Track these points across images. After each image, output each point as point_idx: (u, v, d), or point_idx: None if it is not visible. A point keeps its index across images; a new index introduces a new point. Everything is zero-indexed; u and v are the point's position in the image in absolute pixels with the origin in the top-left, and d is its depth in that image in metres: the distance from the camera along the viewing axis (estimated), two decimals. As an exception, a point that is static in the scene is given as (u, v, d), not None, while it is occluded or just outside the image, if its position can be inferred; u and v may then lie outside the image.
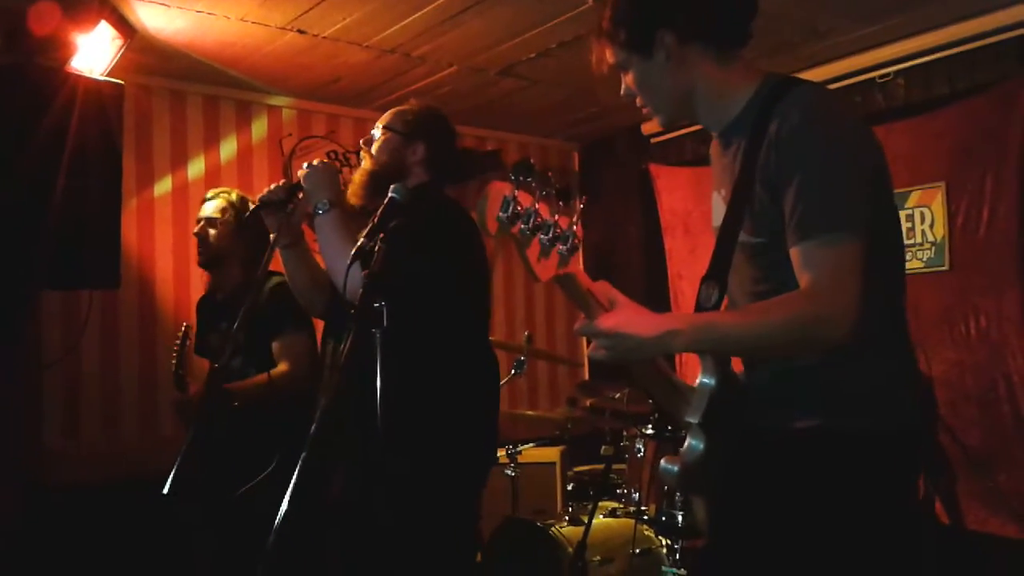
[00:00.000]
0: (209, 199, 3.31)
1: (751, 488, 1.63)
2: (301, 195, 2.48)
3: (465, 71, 4.22)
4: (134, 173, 3.98)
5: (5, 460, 3.31)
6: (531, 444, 4.04)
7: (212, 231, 3.22)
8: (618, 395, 3.75)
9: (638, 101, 1.79)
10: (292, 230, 2.56)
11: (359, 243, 2.05)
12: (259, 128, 4.46)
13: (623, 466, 3.66)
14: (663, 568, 3.31)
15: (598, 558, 3.30)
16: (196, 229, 3.27)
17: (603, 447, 3.64)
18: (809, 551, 1.58)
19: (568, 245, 1.39)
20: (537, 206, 1.34)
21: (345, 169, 2.58)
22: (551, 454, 4.36)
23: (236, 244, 3.20)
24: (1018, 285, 3.60)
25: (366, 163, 2.54)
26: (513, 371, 3.83)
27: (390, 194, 2.12)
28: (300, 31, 3.68)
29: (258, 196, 2.60)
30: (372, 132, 2.59)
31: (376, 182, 2.44)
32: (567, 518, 3.46)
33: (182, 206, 4.18)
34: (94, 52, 3.34)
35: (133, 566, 3.64)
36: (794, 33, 3.85)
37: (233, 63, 4.01)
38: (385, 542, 2.33)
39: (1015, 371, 3.61)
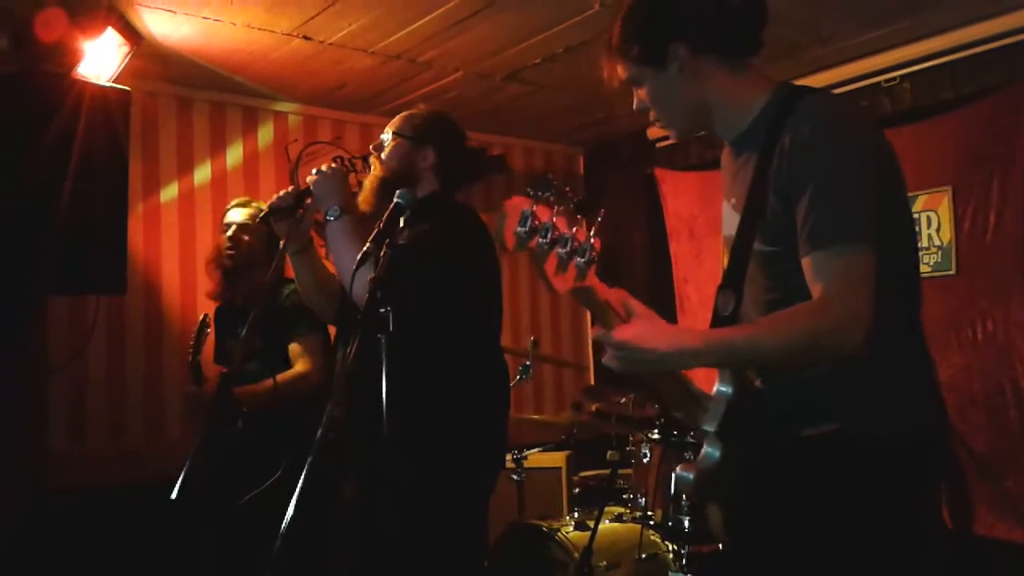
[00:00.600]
0: (237, 207, 3.37)
1: (768, 493, 1.63)
2: (310, 201, 2.48)
3: (471, 76, 4.22)
4: (140, 179, 3.99)
5: (11, 464, 3.32)
6: (537, 449, 4.04)
7: (246, 237, 3.29)
8: (624, 400, 3.74)
9: (651, 115, 1.79)
10: (301, 236, 2.56)
11: (365, 248, 2.05)
12: (265, 134, 4.47)
13: (629, 471, 3.65)
14: (669, 573, 3.30)
15: (604, 563, 3.29)
16: (229, 233, 3.31)
17: (609, 452, 3.63)
18: (823, 555, 1.58)
19: (586, 258, 1.40)
20: (555, 220, 1.36)
21: (351, 175, 2.58)
22: (557, 459, 4.36)
23: (264, 251, 3.25)
24: (1025, 289, 3.59)
25: (376, 169, 2.54)
26: (519, 376, 3.82)
27: (396, 199, 2.12)
28: (306, 37, 3.69)
29: (268, 203, 2.61)
30: (382, 137, 2.58)
31: (387, 188, 2.43)
32: (573, 523, 3.46)
33: (188, 212, 4.19)
34: (101, 59, 3.35)
35: (138, 570, 3.64)
36: (799, 37, 3.85)
37: (239, 69, 4.02)
38: (391, 548, 2.32)
39: (1022, 375, 3.60)
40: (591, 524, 3.27)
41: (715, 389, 1.57)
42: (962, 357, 3.75)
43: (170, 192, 4.17)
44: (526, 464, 3.84)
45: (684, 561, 3.24)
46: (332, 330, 2.95)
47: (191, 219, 4.18)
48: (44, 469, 3.67)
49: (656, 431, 3.45)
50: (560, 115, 4.90)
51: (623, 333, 1.47)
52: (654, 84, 1.73)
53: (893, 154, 1.66)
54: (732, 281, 1.65)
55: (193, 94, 4.24)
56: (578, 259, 1.40)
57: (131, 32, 3.38)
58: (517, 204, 1.33)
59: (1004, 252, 3.67)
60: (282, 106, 4.50)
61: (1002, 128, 3.66)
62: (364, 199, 2.50)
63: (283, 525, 1.57)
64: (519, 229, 1.33)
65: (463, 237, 2.42)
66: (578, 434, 3.94)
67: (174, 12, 3.38)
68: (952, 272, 3.83)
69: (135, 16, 3.38)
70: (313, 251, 2.63)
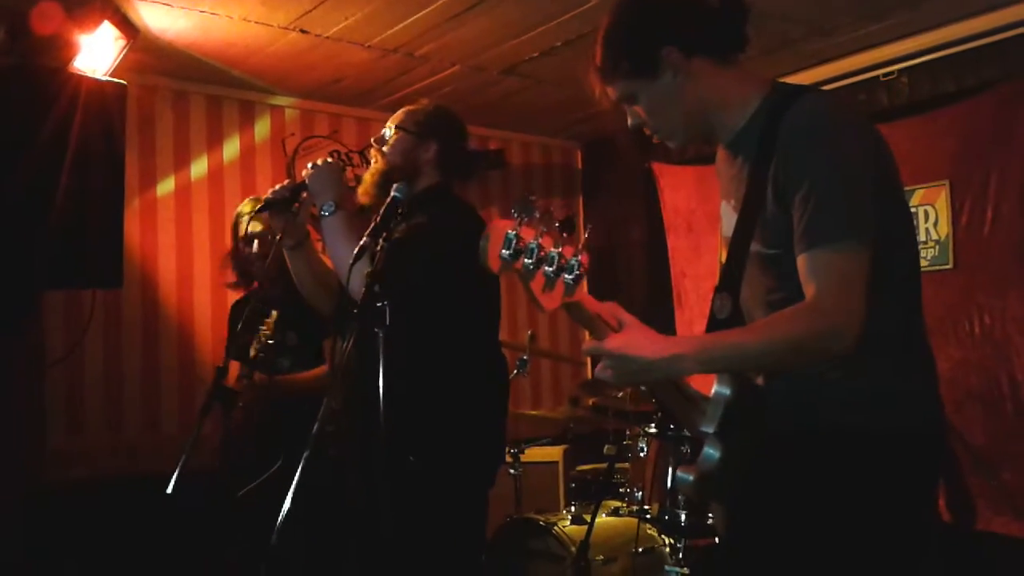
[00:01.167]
0: (255, 219, 3.23)
1: (769, 491, 1.63)
2: (305, 195, 2.48)
3: (468, 70, 4.22)
4: (137, 173, 3.98)
5: (8, 458, 3.32)
6: (534, 443, 4.04)
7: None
8: (621, 394, 3.74)
9: (647, 131, 1.78)
10: (298, 230, 2.56)
11: (362, 242, 2.05)
12: (262, 128, 4.46)
13: (626, 465, 3.66)
14: (666, 567, 3.30)
15: (601, 557, 3.29)
16: (254, 248, 3.21)
17: (606, 446, 3.63)
18: (824, 550, 1.58)
19: (573, 275, 1.41)
20: (540, 240, 1.36)
21: (348, 169, 2.58)
22: (554, 453, 4.36)
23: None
24: (1022, 283, 3.59)
25: (378, 163, 2.53)
26: (516, 370, 3.82)
27: (392, 193, 2.12)
28: (303, 31, 3.68)
29: (263, 196, 2.60)
30: (383, 132, 2.57)
31: (388, 182, 2.42)
32: (570, 517, 3.46)
33: (185, 206, 4.19)
34: (97, 52, 3.35)
35: (136, 564, 3.64)
36: (798, 31, 3.85)
37: (236, 63, 4.01)
38: (390, 542, 2.32)
39: (1019, 369, 3.60)
40: (588, 518, 3.27)
41: (713, 390, 1.57)
42: (959, 351, 3.75)
43: (166, 186, 4.16)
44: (523, 458, 3.84)
45: (681, 555, 3.25)
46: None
47: (187, 213, 4.17)
48: (41, 463, 3.66)
49: (653, 425, 3.45)
50: (557, 109, 4.90)
51: (613, 342, 1.49)
52: (650, 95, 1.72)
53: (888, 151, 1.65)
54: (727, 283, 1.65)
55: (189, 88, 4.23)
56: (565, 276, 1.40)
57: (127, 26, 3.37)
58: (500, 227, 1.33)
59: (1001, 246, 3.67)
60: (279, 100, 4.49)
61: (1000, 122, 3.66)
62: (364, 191, 2.50)
63: (279, 518, 1.58)
64: (504, 252, 1.33)
65: (460, 230, 2.42)
66: (575, 428, 3.95)
67: (170, 6, 3.37)
68: (949, 266, 3.84)
69: (131, 9, 3.37)
70: (310, 245, 2.63)
